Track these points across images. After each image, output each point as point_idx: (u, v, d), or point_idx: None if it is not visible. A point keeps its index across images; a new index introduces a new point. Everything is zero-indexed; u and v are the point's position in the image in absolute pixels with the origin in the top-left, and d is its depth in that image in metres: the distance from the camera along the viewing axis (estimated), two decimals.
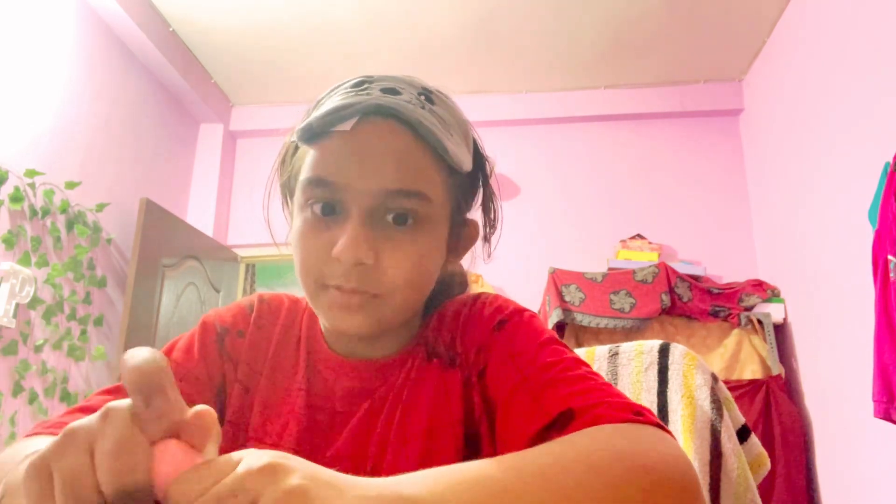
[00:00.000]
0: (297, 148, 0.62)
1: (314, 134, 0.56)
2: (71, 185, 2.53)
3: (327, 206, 0.57)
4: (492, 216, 0.69)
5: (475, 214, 0.69)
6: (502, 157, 3.46)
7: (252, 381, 0.65)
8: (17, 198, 2.30)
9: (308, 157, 0.58)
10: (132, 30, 2.87)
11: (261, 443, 0.62)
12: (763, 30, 3.05)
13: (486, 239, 0.70)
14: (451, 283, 0.72)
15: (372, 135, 0.56)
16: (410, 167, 0.56)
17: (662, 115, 3.51)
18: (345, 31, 3.10)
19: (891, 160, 1.88)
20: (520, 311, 0.64)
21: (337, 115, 0.55)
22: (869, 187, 2.06)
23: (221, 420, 0.63)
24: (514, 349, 0.59)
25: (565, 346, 0.60)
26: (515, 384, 0.56)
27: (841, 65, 2.39)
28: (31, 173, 2.35)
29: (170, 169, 3.36)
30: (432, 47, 3.21)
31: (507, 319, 0.62)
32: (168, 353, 0.65)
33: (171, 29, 3.10)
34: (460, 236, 0.67)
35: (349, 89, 0.59)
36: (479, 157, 0.67)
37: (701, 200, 3.38)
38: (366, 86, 0.59)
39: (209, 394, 0.63)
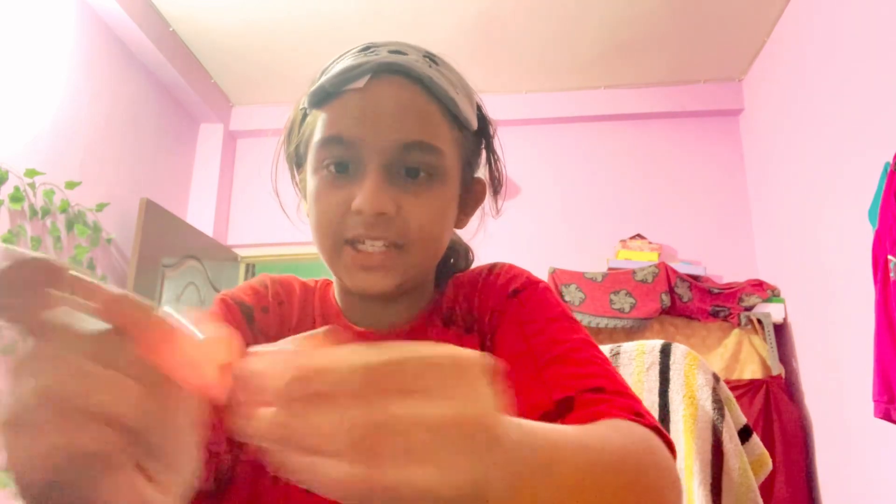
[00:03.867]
0: (304, 116, 0.62)
1: (327, 95, 0.57)
2: (71, 185, 2.53)
3: (342, 164, 0.57)
4: (497, 175, 0.71)
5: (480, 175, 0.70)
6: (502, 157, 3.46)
7: None
8: (17, 198, 2.29)
9: (320, 120, 0.58)
10: (132, 30, 2.87)
11: None
12: (763, 30, 3.05)
13: (496, 192, 0.71)
14: (461, 252, 0.73)
15: (384, 91, 0.56)
16: (423, 121, 0.57)
17: (662, 115, 3.51)
18: (345, 31, 3.10)
19: (891, 160, 1.88)
20: (534, 283, 0.64)
21: (349, 74, 0.56)
22: (869, 187, 2.05)
23: None
24: (524, 317, 0.60)
25: (577, 324, 0.60)
26: (520, 352, 0.57)
27: (841, 65, 2.39)
28: (31, 173, 2.35)
29: (170, 169, 3.36)
30: (432, 47, 3.20)
31: (521, 289, 0.63)
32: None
33: (170, 29, 3.10)
34: (470, 192, 0.67)
35: (356, 53, 0.60)
36: (482, 119, 0.68)
37: (701, 200, 3.38)
38: (372, 49, 0.60)
39: None
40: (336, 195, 0.56)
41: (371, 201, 0.54)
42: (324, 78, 0.57)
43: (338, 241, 0.57)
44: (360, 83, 0.56)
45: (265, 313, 0.65)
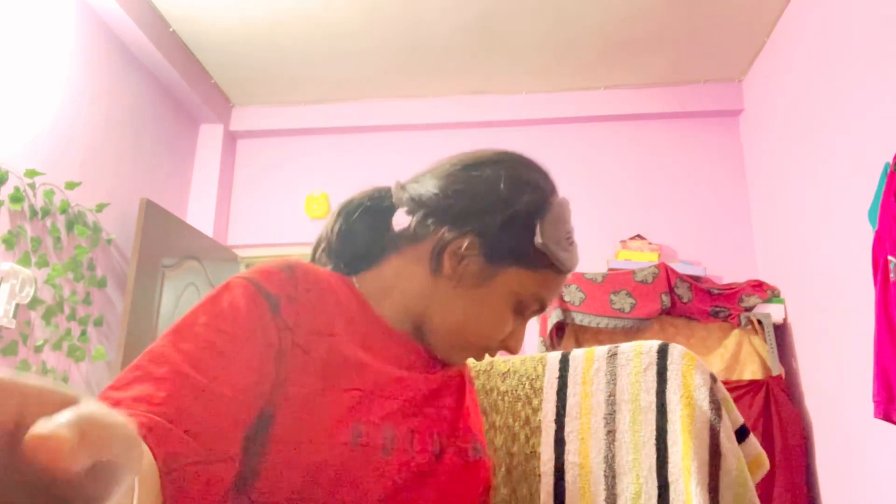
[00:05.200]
0: (532, 237, 0.72)
1: (558, 265, 0.73)
2: (71, 186, 2.53)
3: (528, 313, 0.76)
4: None
5: None
6: None
7: (315, 343, 0.62)
8: (17, 198, 2.30)
9: (541, 275, 0.73)
10: (132, 30, 2.87)
11: (364, 394, 0.62)
12: (763, 30, 3.04)
13: None
14: None
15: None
16: None
17: (662, 115, 3.51)
18: (345, 31, 3.10)
19: (891, 160, 1.88)
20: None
21: (571, 266, 0.76)
22: (869, 187, 2.05)
23: (282, 384, 0.59)
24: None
25: None
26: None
27: (841, 65, 2.39)
28: (31, 173, 2.35)
29: (170, 169, 3.36)
30: (432, 47, 3.21)
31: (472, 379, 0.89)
32: (209, 318, 0.60)
33: (171, 29, 3.10)
34: None
35: (570, 234, 0.77)
36: None
37: (701, 200, 3.38)
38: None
39: (272, 355, 0.59)
40: (505, 325, 0.73)
41: (519, 349, 0.76)
42: (565, 256, 0.73)
43: (477, 347, 0.74)
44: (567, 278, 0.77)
45: (292, 303, 0.62)
